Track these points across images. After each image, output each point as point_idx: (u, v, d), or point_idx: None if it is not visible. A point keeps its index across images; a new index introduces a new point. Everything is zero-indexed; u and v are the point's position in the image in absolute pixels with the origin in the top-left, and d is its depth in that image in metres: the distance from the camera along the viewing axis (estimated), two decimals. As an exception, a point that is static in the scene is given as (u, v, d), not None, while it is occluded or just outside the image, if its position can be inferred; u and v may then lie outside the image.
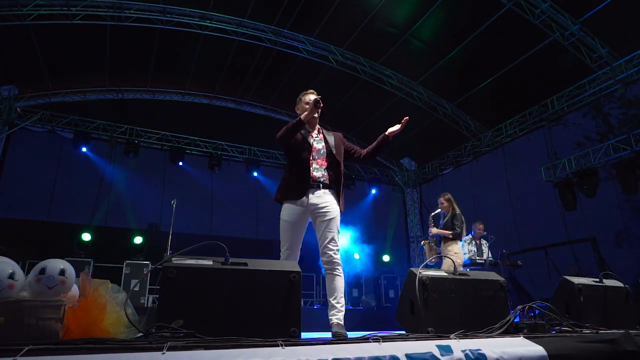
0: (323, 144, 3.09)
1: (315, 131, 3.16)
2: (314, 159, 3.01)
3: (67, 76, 9.73)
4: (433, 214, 5.48)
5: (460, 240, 5.20)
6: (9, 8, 7.52)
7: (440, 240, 5.28)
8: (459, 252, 5.10)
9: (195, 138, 11.04)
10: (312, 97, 3.07)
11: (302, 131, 3.08)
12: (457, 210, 5.28)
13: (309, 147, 3.03)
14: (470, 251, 6.30)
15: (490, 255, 6.27)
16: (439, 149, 12.07)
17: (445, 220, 5.34)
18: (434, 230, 5.33)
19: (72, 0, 7.89)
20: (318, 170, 2.99)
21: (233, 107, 11.62)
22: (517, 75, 8.82)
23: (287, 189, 3.02)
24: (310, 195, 2.92)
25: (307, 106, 3.01)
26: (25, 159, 9.44)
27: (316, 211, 2.90)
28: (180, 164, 10.79)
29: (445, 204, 5.39)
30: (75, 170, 9.80)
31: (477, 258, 6.14)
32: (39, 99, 9.86)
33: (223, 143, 11.31)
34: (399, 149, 12.88)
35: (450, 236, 5.14)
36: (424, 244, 5.55)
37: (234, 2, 8.68)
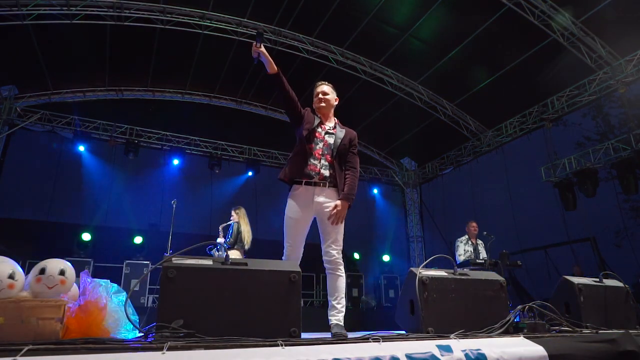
0: (334, 139, 2.97)
1: (331, 123, 3.08)
2: (322, 155, 2.91)
3: (67, 76, 9.71)
4: (222, 225, 5.96)
5: (236, 249, 5.63)
6: (9, 8, 7.51)
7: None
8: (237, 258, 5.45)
9: (195, 138, 11.03)
10: (317, 89, 3.16)
11: (316, 123, 3.00)
12: (240, 223, 5.80)
13: (319, 139, 2.94)
14: (467, 252, 6.28)
15: (485, 254, 6.26)
16: (439, 149, 12.06)
17: None
18: (218, 240, 5.88)
19: (72, 0, 7.88)
20: (325, 167, 2.89)
21: (233, 107, 11.61)
22: (517, 75, 8.81)
23: (293, 173, 2.89)
24: (316, 193, 2.85)
25: (316, 98, 3.10)
26: (25, 159, 9.44)
27: (321, 210, 2.84)
28: (180, 163, 10.80)
29: (235, 216, 5.90)
30: (76, 170, 9.80)
31: (476, 259, 6.12)
32: (39, 99, 9.84)
33: (223, 143, 11.30)
34: (399, 148, 12.88)
35: (226, 245, 5.71)
36: (212, 251, 5.98)
37: (234, 2, 8.67)
